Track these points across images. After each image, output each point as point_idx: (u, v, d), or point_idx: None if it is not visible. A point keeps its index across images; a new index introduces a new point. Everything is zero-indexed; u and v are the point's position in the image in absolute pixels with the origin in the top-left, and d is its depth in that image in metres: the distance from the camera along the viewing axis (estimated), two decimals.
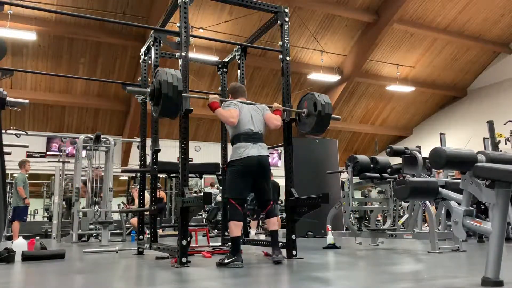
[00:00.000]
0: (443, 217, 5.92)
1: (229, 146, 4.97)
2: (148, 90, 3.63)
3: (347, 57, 15.06)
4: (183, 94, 3.54)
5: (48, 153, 13.68)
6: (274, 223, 3.77)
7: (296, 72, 14.47)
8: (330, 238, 5.13)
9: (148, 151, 4.85)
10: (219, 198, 8.55)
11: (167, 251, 4.00)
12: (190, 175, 4.23)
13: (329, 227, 5.32)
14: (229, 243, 4.38)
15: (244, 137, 3.67)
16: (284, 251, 3.83)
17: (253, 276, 3.15)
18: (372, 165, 5.47)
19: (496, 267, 2.15)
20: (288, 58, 4.39)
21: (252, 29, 9.04)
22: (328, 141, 9.26)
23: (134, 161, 14.22)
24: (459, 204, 2.61)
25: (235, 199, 3.62)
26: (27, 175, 8.05)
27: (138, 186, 5.54)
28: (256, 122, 3.76)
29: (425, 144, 8.37)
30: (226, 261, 3.44)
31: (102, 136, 7.97)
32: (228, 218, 3.66)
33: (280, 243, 3.86)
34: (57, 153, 10.28)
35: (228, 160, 3.78)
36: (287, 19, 4.45)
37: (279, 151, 15.41)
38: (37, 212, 13.94)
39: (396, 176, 5.28)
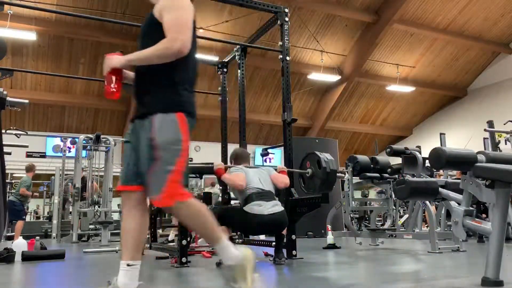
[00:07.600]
0: (443, 217, 5.92)
1: (230, 147, 5.00)
2: None
3: (347, 57, 15.06)
4: None
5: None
6: None
7: (296, 72, 14.46)
8: (330, 238, 5.13)
9: None
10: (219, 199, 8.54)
11: (167, 251, 3.99)
12: (190, 175, 4.22)
13: (329, 227, 5.32)
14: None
15: (256, 195, 3.50)
16: (284, 251, 3.82)
17: None
18: (372, 165, 5.47)
19: (496, 267, 2.15)
20: (288, 58, 4.38)
21: (252, 29, 9.02)
22: (328, 141, 9.26)
23: None
24: (459, 204, 2.61)
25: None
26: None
27: None
28: (264, 182, 3.63)
29: (425, 144, 8.35)
30: None
31: (102, 136, 7.97)
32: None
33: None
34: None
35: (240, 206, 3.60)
36: (287, 19, 4.45)
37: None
38: (37, 212, 13.93)
39: (396, 176, 5.28)
